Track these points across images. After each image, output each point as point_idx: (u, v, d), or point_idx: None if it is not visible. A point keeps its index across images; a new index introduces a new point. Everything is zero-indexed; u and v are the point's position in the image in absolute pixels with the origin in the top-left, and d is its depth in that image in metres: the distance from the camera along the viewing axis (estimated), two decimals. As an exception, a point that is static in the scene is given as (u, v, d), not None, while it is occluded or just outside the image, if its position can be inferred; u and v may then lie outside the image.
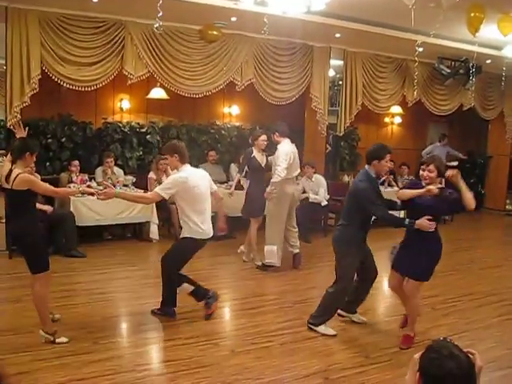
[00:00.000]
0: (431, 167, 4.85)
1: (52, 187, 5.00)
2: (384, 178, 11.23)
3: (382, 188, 10.72)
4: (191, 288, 5.59)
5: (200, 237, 5.41)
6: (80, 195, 7.99)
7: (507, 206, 13.81)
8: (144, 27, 8.46)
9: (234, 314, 5.81)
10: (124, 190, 8.36)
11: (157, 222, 8.71)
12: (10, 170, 4.65)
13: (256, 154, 7.73)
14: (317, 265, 7.63)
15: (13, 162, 4.73)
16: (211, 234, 5.54)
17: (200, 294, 5.64)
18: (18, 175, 4.59)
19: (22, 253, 4.93)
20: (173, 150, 5.42)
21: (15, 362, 4.37)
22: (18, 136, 5.22)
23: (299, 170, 8.04)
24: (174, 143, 5.61)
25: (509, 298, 6.84)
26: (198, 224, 5.37)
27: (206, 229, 5.43)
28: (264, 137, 7.68)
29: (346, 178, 11.32)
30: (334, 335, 5.24)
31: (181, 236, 5.53)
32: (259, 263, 7.57)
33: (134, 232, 9.06)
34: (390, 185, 11.17)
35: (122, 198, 5.48)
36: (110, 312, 5.66)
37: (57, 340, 4.79)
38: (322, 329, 5.30)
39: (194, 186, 5.33)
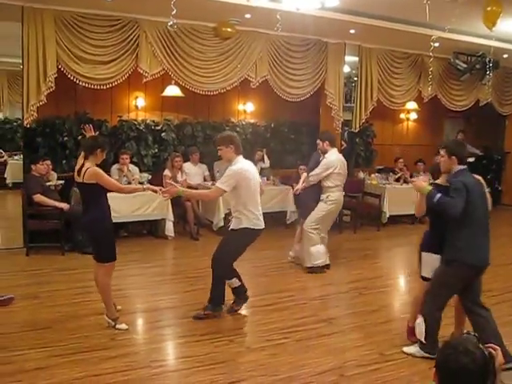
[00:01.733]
0: (442, 152, 4.68)
1: (118, 183, 5.57)
2: (400, 175, 11.19)
3: (397, 184, 10.78)
4: (238, 284, 5.66)
5: (258, 227, 5.47)
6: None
7: (525, 203, 13.65)
8: (158, 25, 8.48)
9: (249, 310, 5.80)
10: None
11: (172, 219, 8.74)
12: (82, 165, 5.03)
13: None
14: (331, 261, 7.60)
15: (85, 158, 5.08)
16: (263, 225, 5.59)
17: (241, 292, 5.71)
18: (87, 169, 4.96)
19: (91, 242, 5.32)
20: (229, 141, 5.45)
21: (33, 357, 4.43)
22: (87, 135, 5.52)
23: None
24: (230, 134, 5.72)
25: (526, 295, 6.79)
26: (256, 214, 5.45)
27: (261, 220, 5.53)
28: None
29: (361, 175, 11.27)
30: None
31: (233, 228, 5.53)
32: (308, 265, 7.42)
33: (150, 229, 9.11)
34: (405, 181, 11.11)
35: (185, 196, 6.11)
36: (125, 308, 5.68)
37: (117, 326, 5.11)
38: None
39: (251, 177, 5.44)
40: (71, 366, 4.30)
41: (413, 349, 4.76)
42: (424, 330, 4.57)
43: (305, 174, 7.83)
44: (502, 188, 13.96)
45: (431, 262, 4.73)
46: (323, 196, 7.33)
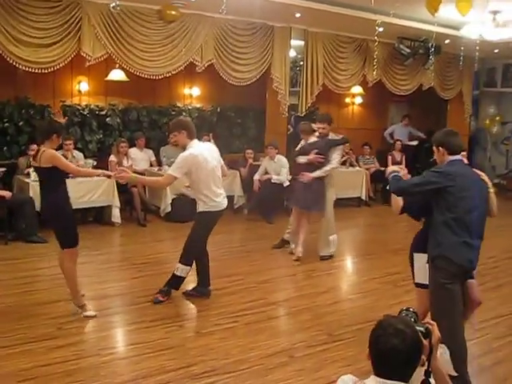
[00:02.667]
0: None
1: (74, 166, 5.49)
2: (345, 158, 11.35)
3: (343, 168, 10.92)
4: (186, 275, 5.61)
5: (215, 209, 5.50)
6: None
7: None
8: (101, 7, 8.29)
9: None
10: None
11: (118, 205, 8.60)
12: (38, 150, 4.94)
13: None
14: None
15: (41, 143, 5.00)
16: (226, 204, 5.65)
17: (178, 285, 5.66)
18: (43, 152, 4.84)
19: (52, 228, 5.19)
20: (180, 126, 5.46)
21: (-24, 350, 4.31)
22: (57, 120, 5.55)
23: None
24: (181, 119, 5.76)
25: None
26: (212, 198, 5.46)
27: (220, 201, 5.53)
28: None
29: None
30: None
31: (198, 211, 5.58)
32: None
33: (96, 216, 8.94)
34: (351, 165, 11.28)
35: (136, 183, 6.35)
36: (72, 297, 5.59)
37: (85, 313, 5.07)
38: None
39: (204, 160, 5.38)
40: (18, 357, 4.20)
41: None
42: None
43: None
44: (444, 170, 14.32)
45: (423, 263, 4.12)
46: (328, 180, 7.25)
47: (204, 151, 5.46)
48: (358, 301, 5.71)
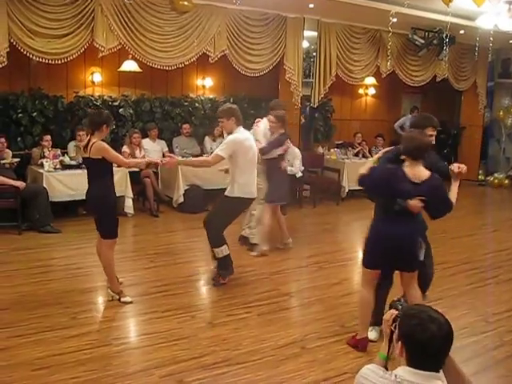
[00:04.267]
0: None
1: (123, 158, 5.72)
2: (358, 150, 11.31)
3: (356, 159, 10.89)
4: (227, 252, 5.79)
5: (248, 195, 5.73)
6: (53, 170, 7.94)
7: (480, 176, 13.99)
8: (114, -2, 8.30)
9: (211, 286, 5.81)
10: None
11: (131, 195, 8.63)
12: (88, 140, 5.06)
13: None
14: (292, 235, 7.65)
15: (91, 134, 5.10)
16: (256, 194, 5.90)
17: (228, 263, 5.85)
18: (93, 144, 4.98)
19: (95, 218, 5.26)
20: (230, 113, 5.68)
21: (-9, 338, 4.36)
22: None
23: None
24: (231, 106, 5.90)
25: (481, 265, 6.99)
26: (248, 184, 5.69)
27: (252, 189, 5.79)
28: None
29: (320, 150, 11.34)
30: None
31: (227, 194, 5.74)
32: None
33: (109, 207, 8.96)
34: (364, 156, 11.23)
35: (184, 165, 6.78)
36: (86, 287, 5.63)
37: (122, 299, 5.23)
38: None
39: (247, 147, 5.68)
40: (32, 346, 4.24)
41: None
42: None
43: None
44: (457, 162, 14.24)
45: None
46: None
47: (250, 138, 5.79)
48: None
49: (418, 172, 3.99)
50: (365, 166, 4.29)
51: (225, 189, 5.85)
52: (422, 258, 4.19)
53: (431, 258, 4.81)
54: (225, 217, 5.74)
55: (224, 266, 5.81)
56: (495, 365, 4.33)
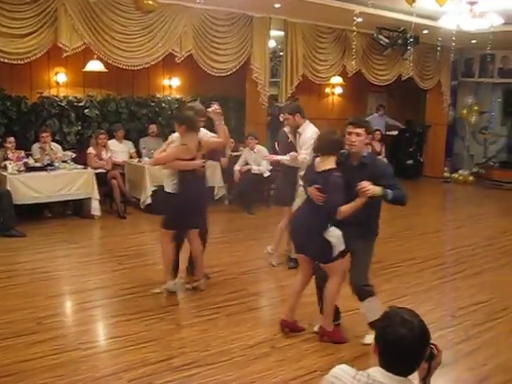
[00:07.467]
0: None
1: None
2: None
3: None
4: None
5: None
6: (17, 172, 7.80)
7: (445, 174, 14.20)
8: (78, -3, 8.20)
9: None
10: (63, 167, 8.22)
11: (98, 197, 8.53)
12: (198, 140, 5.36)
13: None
14: (260, 235, 7.67)
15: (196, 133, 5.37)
16: None
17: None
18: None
19: (199, 213, 5.56)
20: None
21: (-46, 345, 4.26)
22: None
23: None
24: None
25: (447, 261, 7.11)
26: None
27: None
28: None
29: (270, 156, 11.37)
30: None
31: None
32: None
33: (75, 209, 8.86)
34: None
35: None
36: (52, 291, 5.55)
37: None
38: None
39: None
40: (-3, 353, 4.17)
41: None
42: (378, 304, 4.35)
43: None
44: (423, 160, 14.49)
45: (336, 236, 4.37)
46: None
47: None
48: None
49: (324, 164, 4.33)
50: None
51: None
52: (333, 254, 4.38)
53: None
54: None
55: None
56: (461, 358, 4.40)
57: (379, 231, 4.63)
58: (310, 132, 6.03)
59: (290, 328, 4.72)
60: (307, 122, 6.28)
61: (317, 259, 4.54)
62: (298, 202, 5.76)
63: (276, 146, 7.15)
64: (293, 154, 6.14)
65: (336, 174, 4.23)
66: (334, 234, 4.35)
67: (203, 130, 5.69)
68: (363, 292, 4.44)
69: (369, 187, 4.13)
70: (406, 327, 2.04)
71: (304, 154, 5.96)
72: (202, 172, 5.47)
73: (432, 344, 2.17)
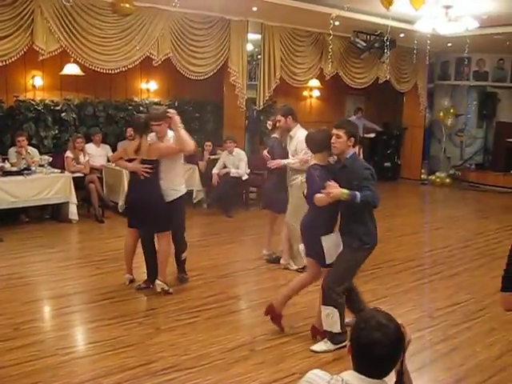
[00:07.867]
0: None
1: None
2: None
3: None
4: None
5: None
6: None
7: (422, 176, 14.34)
8: (54, 0, 8.12)
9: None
10: (40, 171, 8.15)
11: (75, 201, 8.47)
12: (139, 143, 5.48)
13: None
14: (239, 238, 7.67)
15: (140, 137, 5.51)
16: None
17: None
18: (150, 145, 5.44)
19: (151, 216, 5.42)
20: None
21: None
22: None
23: None
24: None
25: (425, 262, 7.17)
26: None
27: None
28: None
29: (265, 152, 11.35)
30: None
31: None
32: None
33: (53, 213, 8.79)
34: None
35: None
36: (30, 296, 5.48)
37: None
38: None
39: None
40: (-28, 360, 4.12)
41: (323, 345, 4.48)
42: (338, 320, 4.39)
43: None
44: (400, 162, 14.62)
45: (332, 243, 4.45)
46: (295, 181, 6.28)
47: None
48: (318, 293, 5.74)
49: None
50: None
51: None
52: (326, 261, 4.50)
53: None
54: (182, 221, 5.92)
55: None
56: (440, 358, 4.44)
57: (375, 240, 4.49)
58: (302, 136, 5.70)
59: (272, 316, 4.80)
60: (298, 125, 6.32)
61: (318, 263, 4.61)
62: (292, 201, 6.28)
63: (266, 152, 6.95)
64: (303, 157, 6.01)
65: (312, 167, 4.48)
66: (330, 240, 4.42)
67: (170, 134, 5.63)
68: (328, 296, 4.45)
69: (331, 190, 4.15)
70: (381, 331, 2.02)
71: (309, 154, 5.63)
72: (144, 176, 5.44)
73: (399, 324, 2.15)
